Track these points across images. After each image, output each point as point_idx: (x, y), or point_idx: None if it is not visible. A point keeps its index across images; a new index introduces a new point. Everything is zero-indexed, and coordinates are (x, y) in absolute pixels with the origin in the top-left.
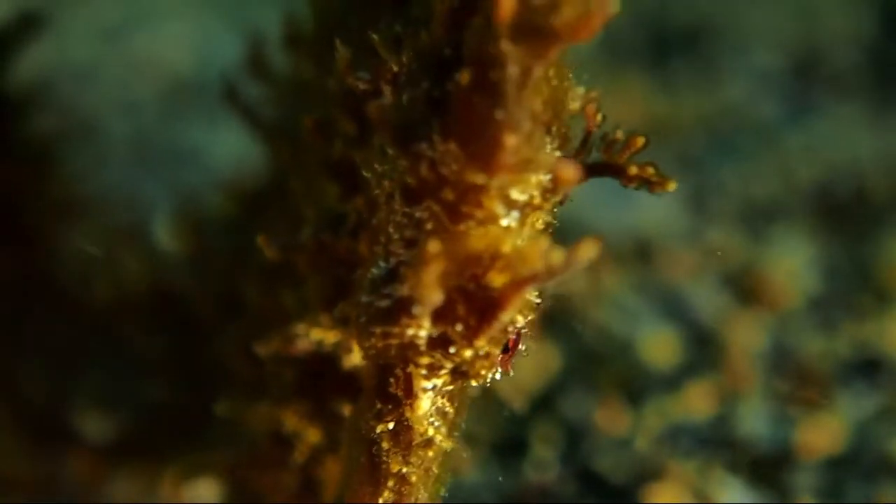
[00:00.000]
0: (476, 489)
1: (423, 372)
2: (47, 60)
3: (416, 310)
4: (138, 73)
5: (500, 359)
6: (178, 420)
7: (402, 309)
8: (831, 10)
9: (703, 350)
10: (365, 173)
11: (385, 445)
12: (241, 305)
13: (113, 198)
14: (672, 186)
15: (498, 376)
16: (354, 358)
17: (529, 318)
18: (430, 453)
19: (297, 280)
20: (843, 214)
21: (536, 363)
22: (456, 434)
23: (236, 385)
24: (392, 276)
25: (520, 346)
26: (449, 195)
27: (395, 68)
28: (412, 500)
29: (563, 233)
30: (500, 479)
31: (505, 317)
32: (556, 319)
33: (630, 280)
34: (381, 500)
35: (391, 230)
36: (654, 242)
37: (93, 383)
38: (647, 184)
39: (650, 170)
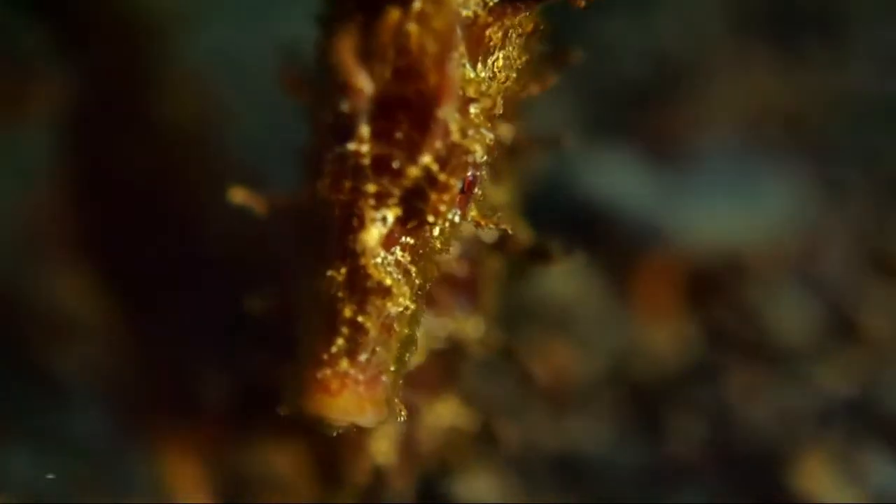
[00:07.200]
0: (612, 464)
1: (372, 202)
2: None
3: (345, 104)
4: None
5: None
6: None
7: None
8: None
9: (844, 325)
10: None
11: (340, 294)
12: None
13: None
14: None
15: (457, 219)
16: None
17: (484, 159)
18: (390, 305)
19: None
20: None
21: (677, 342)
22: (420, 294)
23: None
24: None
25: (475, 190)
26: None
27: None
28: (368, 351)
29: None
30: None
31: (441, 113)
32: (697, 297)
33: (770, 263)
34: (333, 348)
35: None
36: (789, 225)
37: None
38: None
39: None
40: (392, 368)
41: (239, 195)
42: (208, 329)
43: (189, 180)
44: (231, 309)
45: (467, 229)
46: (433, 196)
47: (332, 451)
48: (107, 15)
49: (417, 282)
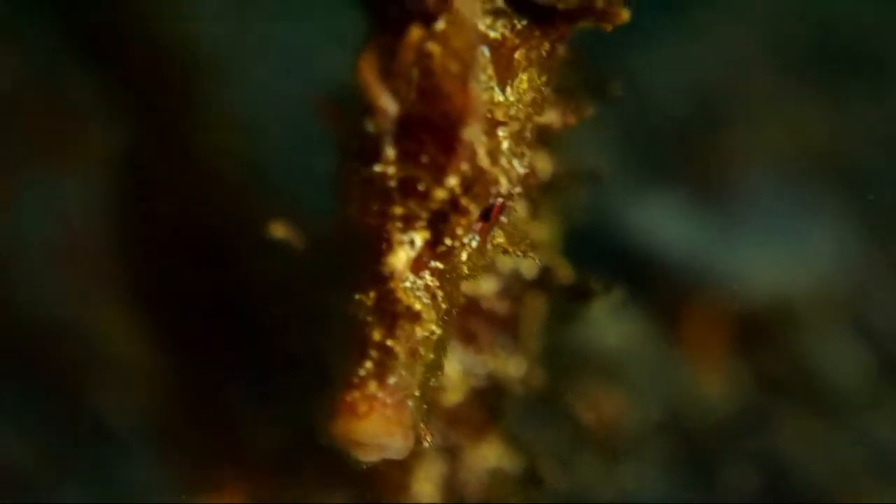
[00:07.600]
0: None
1: (399, 225)
2: None
3: (370, 125)
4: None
5: (479, 225)
6: None
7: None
8: None
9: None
10: None
11: (369, 318)
12: None
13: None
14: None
15: (474, 244)
16: None
17: (516, 190)
18: (418, 330)
19: None
20: None
21: (728, 388)
22: (446, 320)
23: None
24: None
25: (501, 218)
26: None
27: None
28: (396, 375)
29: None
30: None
31: (466, 133)
32: (747, 343)
33: (819, 308)
34: (362, 371)
35: None
36: (838, 267)
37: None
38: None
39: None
40: (416, 393)
41: (279, 230)
42: (257, 370)
43: (238, 223)
44: (281, 349)
45: (505, 262)
46: (451, 219)
47: (376, 493)
48: (155, 60)
49: (444, 306)
